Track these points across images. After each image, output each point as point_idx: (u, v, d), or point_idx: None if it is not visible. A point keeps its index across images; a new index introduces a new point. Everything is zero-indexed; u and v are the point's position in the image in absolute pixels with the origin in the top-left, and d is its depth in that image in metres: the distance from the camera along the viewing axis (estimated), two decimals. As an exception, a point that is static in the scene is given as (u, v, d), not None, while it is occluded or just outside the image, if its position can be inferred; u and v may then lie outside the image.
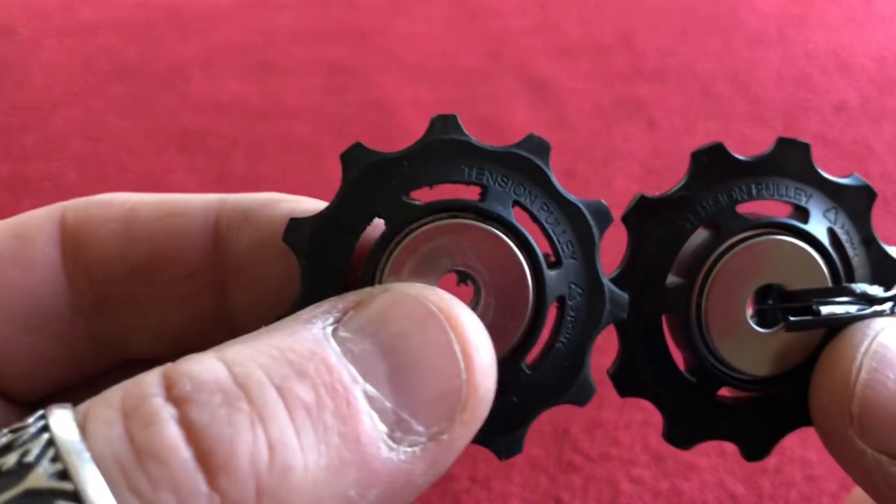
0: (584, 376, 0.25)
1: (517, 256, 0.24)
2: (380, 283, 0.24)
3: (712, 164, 0.25)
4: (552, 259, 0.25)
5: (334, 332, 0.20)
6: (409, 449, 0.19)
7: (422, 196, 0.24)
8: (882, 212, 0.53)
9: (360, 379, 0.19)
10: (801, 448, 0.42)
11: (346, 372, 0.19)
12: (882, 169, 0.57)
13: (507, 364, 0.24)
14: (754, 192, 0.25)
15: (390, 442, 0.19)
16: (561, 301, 0.24)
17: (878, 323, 0.24)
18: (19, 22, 0.72)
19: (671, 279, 0.25)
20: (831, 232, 0.25)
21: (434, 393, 0.20)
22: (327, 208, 0.24)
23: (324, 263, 0.24)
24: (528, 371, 0.24)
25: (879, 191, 0.26)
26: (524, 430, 0.25)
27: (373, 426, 0.19)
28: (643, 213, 0.25)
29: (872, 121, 0.61)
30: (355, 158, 0.24)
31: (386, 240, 0.23)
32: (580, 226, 0.25)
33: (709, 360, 0.25)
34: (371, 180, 0.24)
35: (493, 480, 0.42)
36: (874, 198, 0.26)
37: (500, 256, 0.24)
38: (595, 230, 0.25)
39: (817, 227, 0.25)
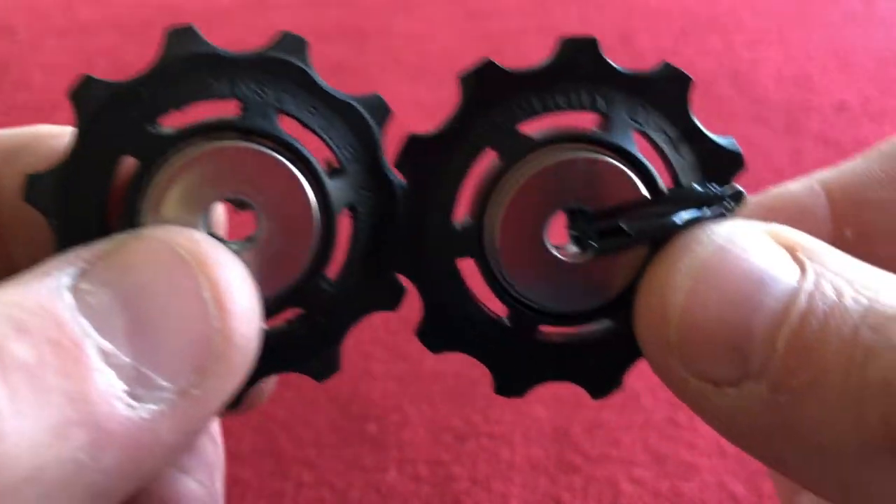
0: (390, 279, 0.23)
1: (291, 172, 0.22)
2: (141, 226, 0.21)
3: (486, 85, 0.22)
4: (335, 165, 0.23)
5: (76, 284, 0.18)
6: (154, 406, 0.18)
7: (175, 122, 0.22)
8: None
9: (94, 333, 0.18)
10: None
11: (78, 327, 0.18)
12: (882, 169, 0.57)
13: (305, 285, 0.23)
14: (539, 106, 0.22)
15: (130, 400, 0.18)
16: (353, 209, 0.23)
17: (702, 232, 0.20)
18: (19, 22, 0.72)
19: (464, 221, 0.23)
20: (643, 135, 0.22)
21: (179, 344, 0.19)
22: (66, 155, 0.22)
23: (76, 217, 0.22)
24: (329, 287, 0.23)
25: (880, 191, 0.25)
26: (338, 347, 0.24)
27: (107, 383, 0.18)
28: (417, 155, 0.22)
29: (873, 121, 0.61)
30: (87, 95, 0.22)
31: (139, 179, 0.21)
32: (357, 125, 0.23)
33: (516, 301, 0.23)
34: (109, 115, 0.21)
35: (493, 481, 0.41)
36: (688, 83, 0.22)
37: (272, 175, 0.22)
38: (374, 127, 0.23)
39: (621, 132, 0.22)
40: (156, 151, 0.21)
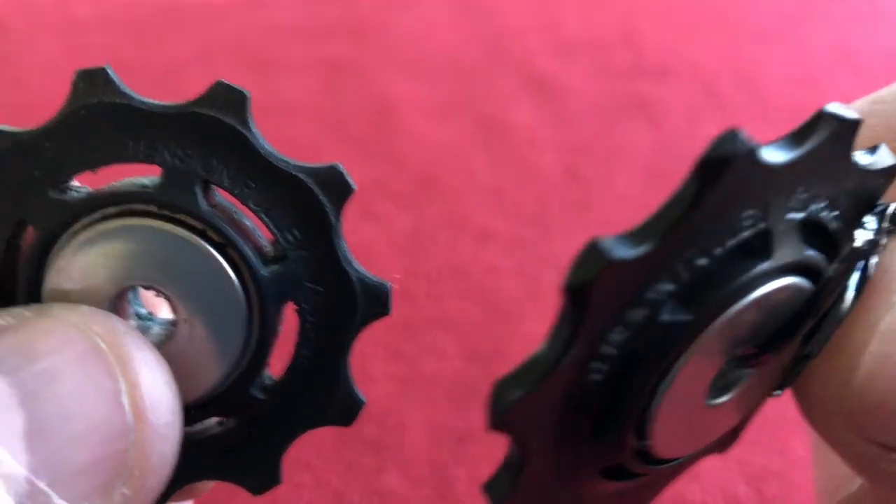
0: (344, 393, 0.20)
1: (212, 258, 0.19)
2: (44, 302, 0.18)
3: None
4: (272, 253, 0.19)
5: None
6: None
7: (90, 182, 0.19)
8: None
9: None
10: (805, 450, 0.42)
11: None
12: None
13: (234, 391, 0.20)
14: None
15: None
16: (297, 305, 0.20)
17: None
18: (12, 19, 0.71)
19: None
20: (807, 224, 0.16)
21: (88, 458, 0.15)
22: None
23: None
24: (261, 396, 0.20)
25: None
26: (277, 460, 0.21)
27: None
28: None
29: (877, 119, 0.61)
30: None
31: (36, 253, 0.19)
32: (306, 204, 0.19)
33: None
34: (7, 173, 0.18)
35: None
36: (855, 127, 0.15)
37: (191, 262, 0.18)
38: (329, 207, 0.19)
39: (786, 242, 0.16)
40: (56, 222, 0.18)
